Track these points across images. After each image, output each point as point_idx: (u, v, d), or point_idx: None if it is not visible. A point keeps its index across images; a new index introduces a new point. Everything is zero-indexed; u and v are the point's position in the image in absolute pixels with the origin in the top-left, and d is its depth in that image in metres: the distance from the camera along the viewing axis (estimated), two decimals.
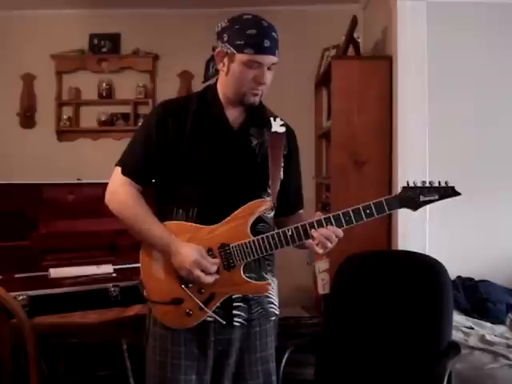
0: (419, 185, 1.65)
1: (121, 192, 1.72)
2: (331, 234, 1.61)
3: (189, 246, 1.64)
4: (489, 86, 3.15)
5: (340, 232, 1.63)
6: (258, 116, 1.77)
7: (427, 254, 2.75)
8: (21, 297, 2.31)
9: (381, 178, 3.18)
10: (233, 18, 1.67)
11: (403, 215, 2.92)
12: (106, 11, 4.46)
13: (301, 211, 1.90)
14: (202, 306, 1.66)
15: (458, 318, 2.71)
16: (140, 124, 1.99)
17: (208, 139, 1.71)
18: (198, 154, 1.69)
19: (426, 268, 2.45)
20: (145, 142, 1.73)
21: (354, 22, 3.40)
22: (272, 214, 1.78)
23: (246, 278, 1.67)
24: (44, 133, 4.55)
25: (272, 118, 1.80)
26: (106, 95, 4.56)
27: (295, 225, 1.65)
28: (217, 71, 1.74)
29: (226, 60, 1.67)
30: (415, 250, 2.69)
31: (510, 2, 3.15)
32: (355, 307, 2.51)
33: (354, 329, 2.47)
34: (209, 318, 1.68)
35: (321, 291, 3.27)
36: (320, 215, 1.65)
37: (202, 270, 1.62)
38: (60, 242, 2.83)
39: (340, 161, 3.21)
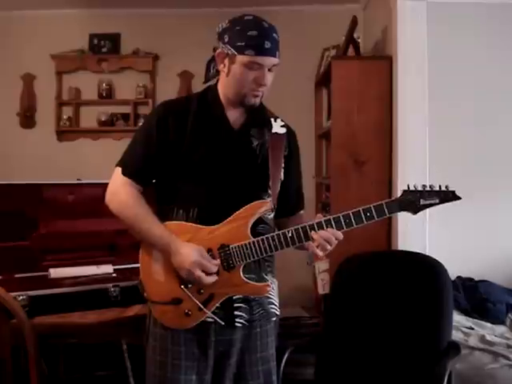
0: (420, 188, 1.64)
1: (121, 192, 1.72)
2: (331, 236, 1.61)
3: (189, 246, 1.64)
4: (489, 85, 3.15)
5: (340, 235, 1.62)
6: (259, 117, 1.77)
7: (427, 254, 2.75)
8: (21, 297, 2.32)
9: (381, 178, 3.18)
10: (234, 19, 1.66)
11: (403, 216, 2.89)
12: (106, 11, 4.45)
13: (301, 212, 1.90)
14: (201, 307, 1.66)
15: (458, 318, 2.71)
16: (140, 124, 1.99)
17: (209, 140, 1.71)
18: (198, 154, 1.69)
19: (426, 268, 2.45)
20: (145, 142, 1.73)
21: (354, 22, 3.40)
22: (272, 214, 1.78)
23: (246, 279, 1.67)
24: (44, 133, 4.55)
25: (273, 119, 1.80)
26: (106, 95, 4.56)
27: (295, 226, 1.64)
28: (218, 72, 1.74)
29: (226, 61, 1.67)
30: (415, 250, 2.69)
31: (510, 2, 3.15)
32: (355, 307, 2.51)
33: (354, 329, 2.47)
34: (209, 319, 1.68)
35: (321, 291, 3.26)
36: (321, 217, 1.65)
37: (203, 271, 1.62)
38: (60, 242, 2.83)
39: (340, 161, 3.21)
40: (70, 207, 2.93)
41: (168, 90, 4.31)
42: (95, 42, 4.56)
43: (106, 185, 1.76)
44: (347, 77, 3.21)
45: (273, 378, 1.79)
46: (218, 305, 1.67)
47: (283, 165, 1.78)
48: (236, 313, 1.71)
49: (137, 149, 1.74)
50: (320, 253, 1.63)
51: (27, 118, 4.59)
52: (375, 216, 1.63)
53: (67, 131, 4.58)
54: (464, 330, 2.66)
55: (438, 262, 2.43)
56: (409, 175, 2.96)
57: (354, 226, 1.63)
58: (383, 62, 3.23)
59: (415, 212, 1.65)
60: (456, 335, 2.52)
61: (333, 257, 2.87)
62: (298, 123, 1.96)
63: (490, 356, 2.38)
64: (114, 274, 2.72)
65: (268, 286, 1.72)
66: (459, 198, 1.64)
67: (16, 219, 2.80)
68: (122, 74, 4.59)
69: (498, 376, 2.25)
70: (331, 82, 3.26)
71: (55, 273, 2.65)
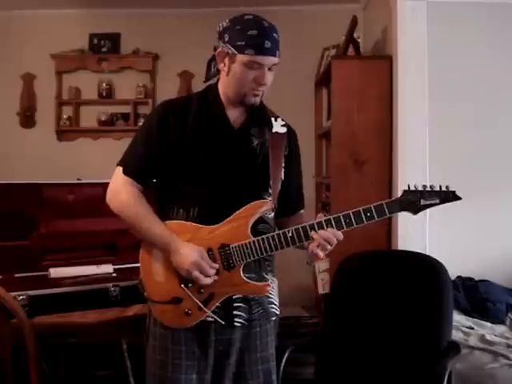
0: (420, 188, 1.64)
1: (122, 192, 1.72)
2: (331, 236, 1.61)
3: (189, 246, 1.64)
4: (489, 85, 3.15)
5: (340, 235, 1.62)
6: (259, 116, 1.77)
7: (427, 253, 2.75)
8: (21, 297, 2.31)
9: (381, 178, 3.18)
10: (234, 18, 1.67)
11: (403, 216, 2.90)
12: (106, 11, 4.45)
13: (302, 211, 1.90)
14: (201, 306, 1.66)
15: (458, 318, 2.71)
16: (141, 124, 1.99)
17: (209, 139, 1.71)
18: (198, 153, 1.69)
19: (426, 268, 2.45)
20: (146, 142, 1.73)
21: (354, 22, 3.40)
22: (273, 214, 1.78)
23: (246, 279, 1.67)
24: (44, 132, 4.55)
25: (273, 119, 1.80)
26: (106, 95, 4.55)
27: (295, 226, 1.64)
28: (218, 71, 1.74)
29: (226, 60, 1.67)
30: (415, 250, 2.69)
31: (510, 1, 3.14)
32: (355, 307, 2.51)
33: (354, 328, 2.47)
34: (209, 318, 1.68)
35: (321, 291, 3.26)
36: (321, 217, 1.64)
37: (201, 272, 1.62)
38: (60, 242, 2.83)
39: (340, 160, 3.21)
40: (69, 207, 2.93)
41: (168, 89, 4.31)
42: (95, 41, 4.56)
43: (106, 184, 1.76)
44: (347, 76, 3.21)
45: (272, 378, 1.79)
46: (218, 304, 1.68)
47: (283, 164, 1.78)
48: (235, 312, 1.71)
49: (137, 148, 1.74)
50: (320, 252, 1.63)
51: (27, 118, 4.59)
52: (375, 216, 1.63)
53: (67, 131, 4.58)
54: (464, 329, 2.66)
55: (438, 262, 2.43)
56: (409, 175, 2.96)
57: (355, 225, 1.63)
58: (383, 61, 3.23)
59: (415, 212, 1.65)
60: (456, 335, 2.52)
61: (333, 256, 2.88)
62: (297, 123, 1.95)
63: (490, 356, 2.38)
64: (114, 274, 2.72)
65: (268, 285, 1.72)
66: (460, 199, 1.64)
67: (16, 219, 2.80)
68: (121, 74, 4.59)
69: (497, 376, 2.25)
70: (331, 81, 3.26)
71: (55, 272, 2.64)
